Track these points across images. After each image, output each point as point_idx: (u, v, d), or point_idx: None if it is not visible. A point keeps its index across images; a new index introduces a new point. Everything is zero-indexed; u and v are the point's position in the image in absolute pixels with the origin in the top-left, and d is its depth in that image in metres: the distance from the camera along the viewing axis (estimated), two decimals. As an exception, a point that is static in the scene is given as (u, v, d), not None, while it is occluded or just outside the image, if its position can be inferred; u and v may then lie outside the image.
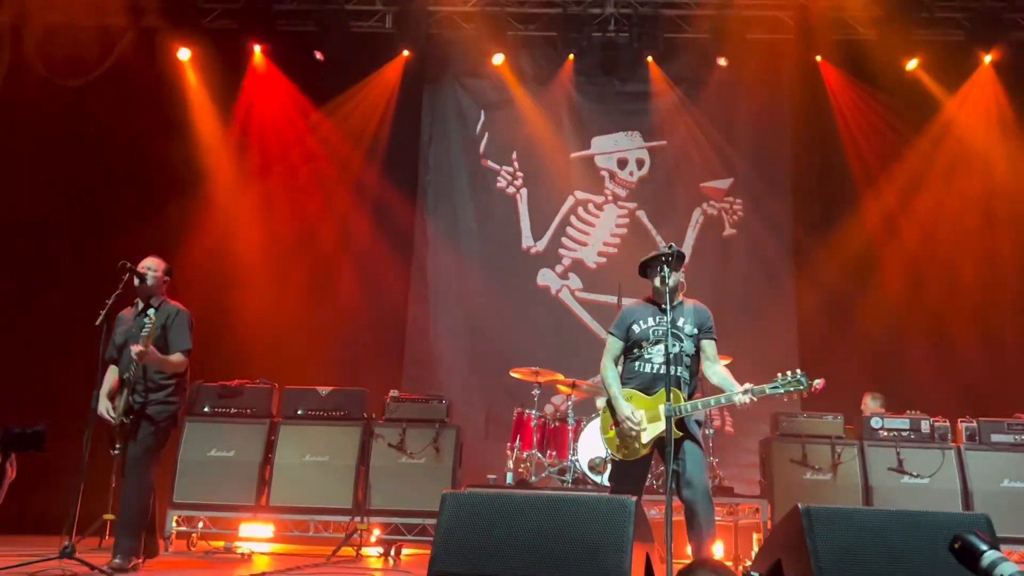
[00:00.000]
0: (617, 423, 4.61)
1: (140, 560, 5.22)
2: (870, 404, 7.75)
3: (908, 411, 7.11)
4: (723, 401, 4.45)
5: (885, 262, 9.16)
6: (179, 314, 5.50)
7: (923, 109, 9.35)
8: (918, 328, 8.84)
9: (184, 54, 9.42)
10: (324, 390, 7.27)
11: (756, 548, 7.20)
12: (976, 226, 9.07)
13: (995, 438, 6.84)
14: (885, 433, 6.95)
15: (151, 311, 5.20)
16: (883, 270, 9.13)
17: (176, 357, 5.39)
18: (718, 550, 4.65)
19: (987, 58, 9.19)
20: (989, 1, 8.96)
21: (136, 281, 5.41)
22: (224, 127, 9.49)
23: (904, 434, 6.93)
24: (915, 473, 6.74)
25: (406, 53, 9.81)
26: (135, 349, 5.10)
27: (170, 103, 9.21)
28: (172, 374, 5.40)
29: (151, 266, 5.49)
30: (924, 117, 9.35)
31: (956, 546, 2.24)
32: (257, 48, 9.60)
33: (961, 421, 6.96)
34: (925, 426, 6.94)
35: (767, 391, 4.38)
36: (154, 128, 8.99)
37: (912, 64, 9.27)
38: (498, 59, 9.76)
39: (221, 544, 6.88)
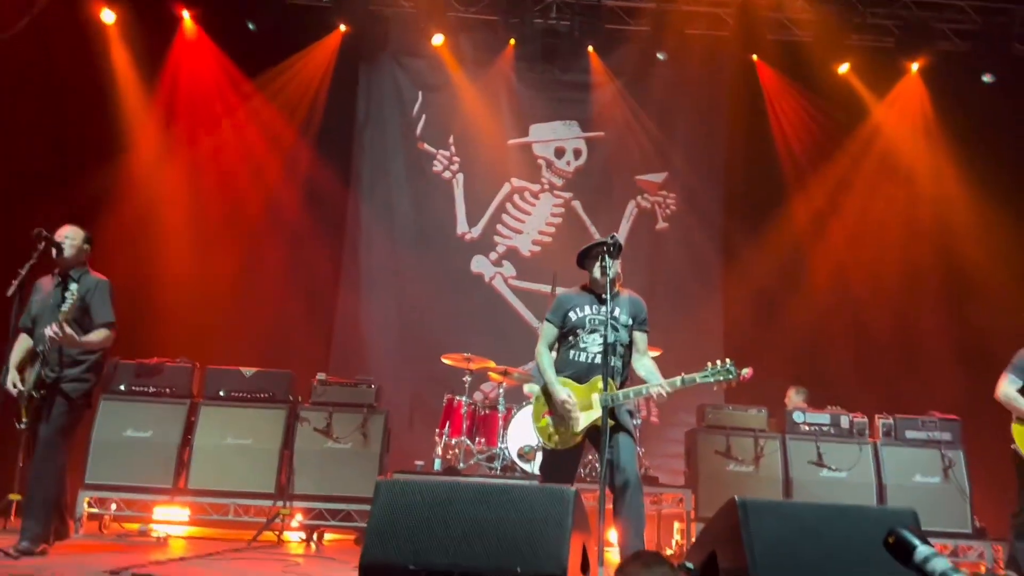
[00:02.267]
0: (551, 410, 4.59)
1: (50, 543, 4.98)
2: (794, 398, 7.94)
3: (829, 406, 7.31)
4: (652, 391, 4.47)
5: (811, 260, 9.40)
6: (99, 285, 5.23)
7: (853, 112, 9.60)
8: (841, 326, 9.10)
9: (108, 16, 8.98)
10: (248, 371, 7.08)
11: (677, 537, 7.30)
12: (899, 229, 9.37)
13: (909, 434, 7.08)
14: (806, 427, 7.13)
15: (73, 285, 4.94)
16: (809, 268, 9.37)
17: (98, 334, 5.14)
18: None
19: (914, 66, 9.47)
20: (919, 10, 9.23)
21: (54, 252, 5.13)
22: (150, 94, 9.10)
23: (824, 429, 7.12)
24: (833, 467, 6.94)
25: (343, 28, 9.59)
26: (53, 329, 4.84)
27: (93, 66, 8.75)
28: (95, 350, 5.16)
29: (69, 235, 5.21)
30: (854, 120, 9.61)
31: (890, 540, 2.27)
32: (186, 14, 9.25)
33: (879, 417, 7.19)
34: (844, 421, 7.15)
35: (697, 380, 4.45)
36: (75, 92, 8.55)
37: (844, 68, 9.49)
38: (437, 40, 9.62)
39: (135, 527, 6.62)
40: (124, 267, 7.50)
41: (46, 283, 5.26)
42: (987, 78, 9.25)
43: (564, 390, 4.55)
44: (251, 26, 9.26)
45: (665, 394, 4.45)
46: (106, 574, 4.09)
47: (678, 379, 4.46)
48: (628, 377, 4.81)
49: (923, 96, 9.52)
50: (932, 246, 9.23)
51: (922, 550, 2.25)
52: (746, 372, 4.54)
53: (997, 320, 7.81)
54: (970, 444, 7.02)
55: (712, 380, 4.46)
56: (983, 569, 6.73)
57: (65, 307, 4.83)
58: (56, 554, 4.96)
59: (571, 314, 4.72)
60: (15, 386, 5.00)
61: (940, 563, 2.20)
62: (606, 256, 4.51)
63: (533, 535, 2.95)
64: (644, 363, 4.73)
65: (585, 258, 4.79)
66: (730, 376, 4.45)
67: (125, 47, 9.04)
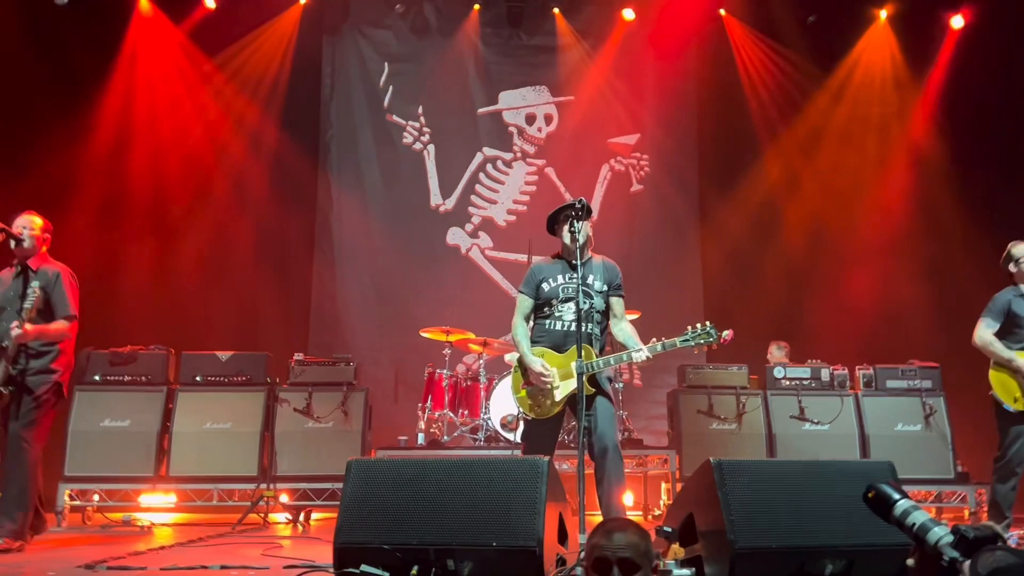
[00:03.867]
0: (528, 382, 4.54)
1: (27, 539, 4.91)
2: (775, 353, 7.94)
3: (809, 360, 7.31)
4: (633, 356, 4.42)
5: (787, 214, 9.36)
6: (60, 277, 5.11)
7: (823, 64, 9.52)
8: (819, 279, 9.08)
9: (61, -2, 8.73)
10: (224, 355, 7.00)
11: (664, 497, 7.33)
12: (872, 180, 9.34)
13: (890, 384, 7.09)
14: (787, 382, 7.13)
15: (35, 282, 4.82)
16: (785, 222, 9.34)
17: (59, 324, 5.03)
18: (628, 500, 4.66)
19: (883, 13, 9.38)
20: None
21: (12, 243, 5.00)
22: (108, 76, 8.85)
23: (805, 383, 7.12)
24: (816, 420, 6.95)
25: (302, 1, 9.38)
26: (15, 332, 4.73)
27: (47, 50, 8.51)
28: (56, 341, 5.05)
29: (27, 224, 5.08)
30: (824, 72, 9.53)
31: (869, 496, 2.25)
32: (141, -9, 9.03)
33: (859, 368, 7.19)
34: (825, 374, 7.15)
35: (678, 344, 4.38)
36: (30, 77, 8.33)
37: (812, 18, 9.39)
38: (400, 8, 9.44)
39: (119, 517, 6.56)
40: (90, 255, 7.42)
41: (6, 276, 5.13)
42: (957, 21, 9.19)
43: (538, 361, 4.50)
44: (209, 2, 9.07)
45: (646, 358, 4.39)
46: (81, 568, 4.03)
47: (658, 344, 4.40)
48: (607, 343, 4.76)
49: (892, 43, 9.44)
50: (906, 194, 9.20)
51: (901, 504, 2.23)
52: (727, 334, 4.46)
53: (973, 266, 7.81)
54: (951, 390, 7.03)
55: (693, 344, 4.39)
56: (966, 514, 6.79)
57: (28, 304, 4.73)
58: (34, 549, 4.90)
59: (544, 284, 4.65)
60: (-16, 381, 4.90)
61: (919, 516, 2.18)
62: (574, 220, 4.44)
63: (507, 508, 2.91)
64: (622, 327, 4.68)
65: (554, 223, 4.73)
66: (711, 339, 4.39)
67: (79, 29, 8.78)
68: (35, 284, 4.85)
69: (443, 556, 2.91)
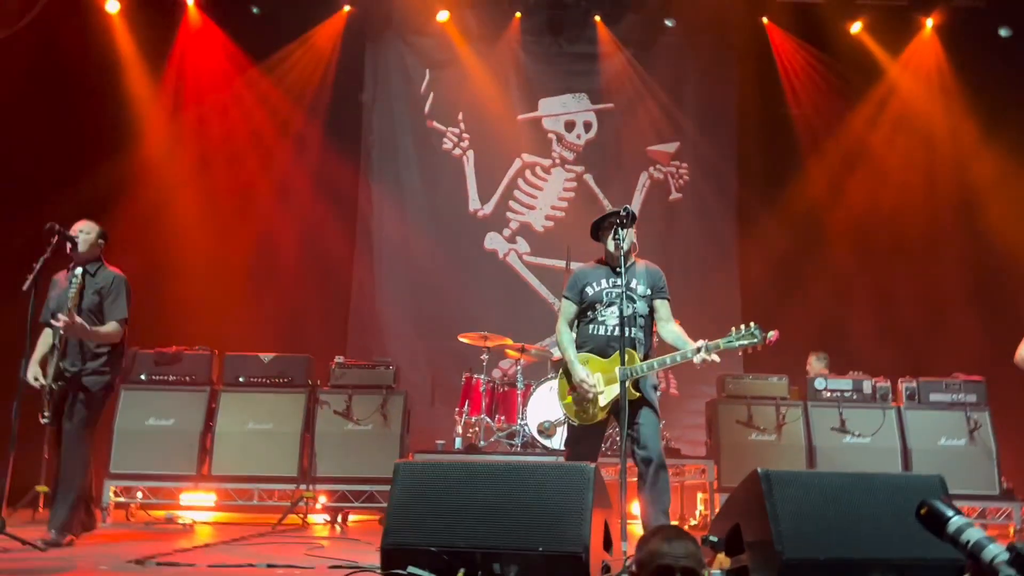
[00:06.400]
0: (573, 388, 4.55)
1: (77, 534, 5.02)
2: (815, 364, 7.86)
3: (851, 372, 7.24)
4: (679, 359, 4.40)
5: (829, 224, 9.25)
6: (115, 280, 5.23)
7: (867, 73, 9.41)
8: (861, 289, 8.97)
9: (113, 7, 8.93)
10: (266, 356, 7.10)
11: (701, 507, 7.29)
12: (918, 189, 9.19)
13: (934, 397, 6.99)
14: (828, 394, 7.06)
15: (74, 279, 4.94)
16: (827, 232, 9.23)
17: (110, 327, 5.14)
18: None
19: (929, 22, 9.27)
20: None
21: (68, 246, 5.13)
22: (157, 84, 9.06)
23: (847, 394, 7.05)
24: (857, 433, 6.87)
25: (347, 8, 9.51)
26: (60, 321, 4.85)
27: (99, 59, 8.74)
28: (104, 342, 5.16)
29: (84, 229, 5.21)
30: (868, 80, 9.42)
31: (922, 512, 2.23)
32: (190, 1, 9.19)
33: (901, 381, 7.10)
34: (867, 386, 7.07)
35: (722, 345, 4.34)
36: (83, 85, 8.56)
37: (856, 27, 9.31)
38: (443, 16, 9.53)
39: (162, 514, 6.68)
40: (139, 257, 7.54)
41: (62, 278, 5.26)
42: (1004, 32, 9.05)
43: (583, 370, 4.49)
44: (255, 10, 9.23)
45: (699, 361, 4.33)
46: (131, 563, 4.12)
47: (700, 348, 4.37)
48: (652, 347, 4.74)
49: (939, 53, 9.30)
50: (953, 205, 9.04)
51: (955, 520, 2.21)
52: (772, 335, 4.37)
53: (1021, 281, 7.67)
54: (996, 405, 6.92)
55: (737, 345, 4.33)
56: (1012, 531, 6.67)
57: (71, 292, 4.84)
58: (83, 545, 5.00)
59: (588, 289, 4.66)
60: (36, 379, 5.03)
61: (974, 533, 2.16)
62: (619, 228, 4.44)
63: (554, 514, 2.93)
64: (671, 329, 4.65)
65: (599, 230, 4.72)
66: (755, 340, 4.31)
67: (130, 37, 9.00)
68: (78, 272, 4.95)
69: (490, 560, 2.93)
